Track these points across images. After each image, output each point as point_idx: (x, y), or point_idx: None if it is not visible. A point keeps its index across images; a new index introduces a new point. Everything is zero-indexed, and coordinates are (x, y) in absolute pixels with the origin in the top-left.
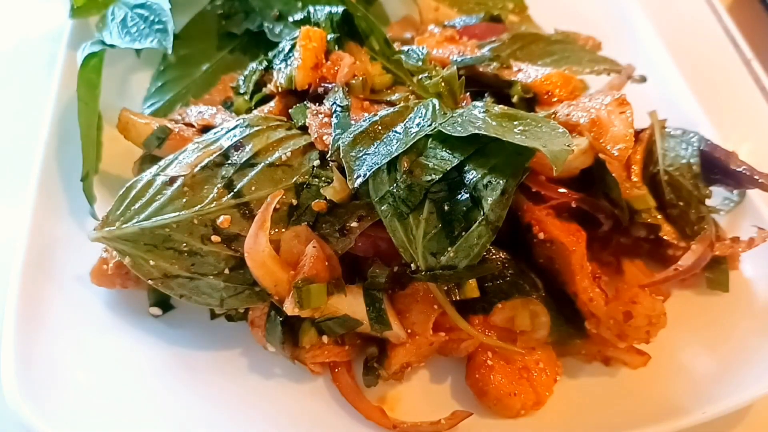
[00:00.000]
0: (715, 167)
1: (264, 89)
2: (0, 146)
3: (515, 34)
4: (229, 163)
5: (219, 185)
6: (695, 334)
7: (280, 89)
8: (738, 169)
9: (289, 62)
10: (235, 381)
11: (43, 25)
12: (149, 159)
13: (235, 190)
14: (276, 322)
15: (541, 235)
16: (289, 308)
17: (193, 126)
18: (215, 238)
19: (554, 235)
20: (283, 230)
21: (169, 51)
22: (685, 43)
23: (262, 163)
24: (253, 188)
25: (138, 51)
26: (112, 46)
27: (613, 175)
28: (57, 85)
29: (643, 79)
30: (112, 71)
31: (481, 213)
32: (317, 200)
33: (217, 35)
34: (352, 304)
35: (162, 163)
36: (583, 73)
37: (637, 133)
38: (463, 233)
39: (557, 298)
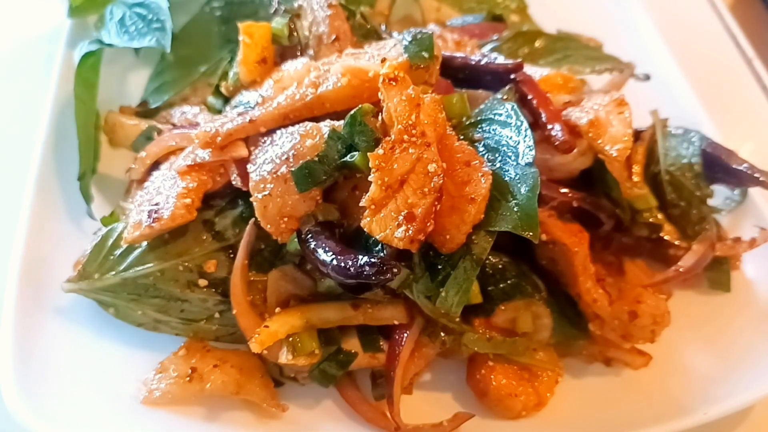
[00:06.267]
0: (717, 166)
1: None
2: None
3: (517, 32)
4: (208, 205)
5: (200, 229)
6: (696, 334)
7: (230, 88)
8: (739, 168)
9: (236, 61)
10: None
11: (42, 25)
12: None
13: (218, 233)
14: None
15: (544, 237)
16: (283, 359)
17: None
18: (202, 282)
19: (557, 237)
20: (269, 271)
21: (168, 50)
22: (687, 42)
23: (242, 204)
24: (237, 230)
25: (137, 50)
26: (110, 45)
27: (614, 175)
28: (55, 85)
29: (646, 77)
30: (110, 71)
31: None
32: None
33: (217, 37)
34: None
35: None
36: (585, 73)
37: (639, 133)
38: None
39: (559, 300)
